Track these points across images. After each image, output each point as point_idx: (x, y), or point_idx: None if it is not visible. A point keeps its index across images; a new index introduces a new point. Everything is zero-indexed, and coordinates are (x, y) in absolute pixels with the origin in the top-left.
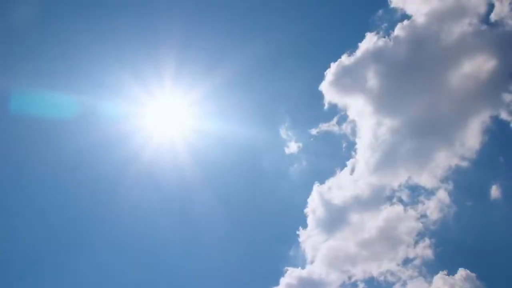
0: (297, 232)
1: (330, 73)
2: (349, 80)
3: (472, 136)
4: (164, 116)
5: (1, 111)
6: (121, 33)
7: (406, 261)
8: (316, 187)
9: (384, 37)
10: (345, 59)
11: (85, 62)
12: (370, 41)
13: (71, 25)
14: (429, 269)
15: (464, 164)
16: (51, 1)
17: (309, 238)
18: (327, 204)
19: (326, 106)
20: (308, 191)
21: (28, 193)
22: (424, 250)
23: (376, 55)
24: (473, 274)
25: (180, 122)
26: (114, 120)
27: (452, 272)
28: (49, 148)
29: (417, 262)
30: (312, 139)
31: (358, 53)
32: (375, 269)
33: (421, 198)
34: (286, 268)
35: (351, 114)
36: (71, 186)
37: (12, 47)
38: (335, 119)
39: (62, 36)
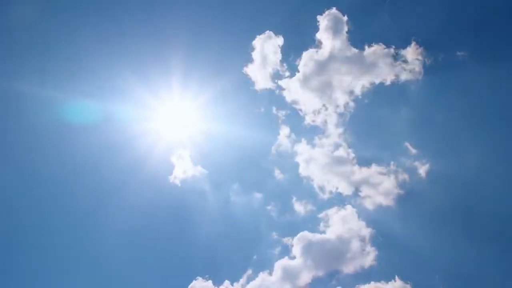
0: None
1: None
2: None
3: None
4: (173, 119)
5: (5, 113)
6: (129, 36)
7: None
8: None
9: None
10: None
11: (93, 66)
12: None
13: (79, 29)
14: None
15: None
16: (59, 4)
17: None
18: None
19: None
20: None
21: (34, 195)
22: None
23: None
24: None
25: (188, 125)
26: (122, 123)
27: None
28: (57, 151)
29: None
30: None
31: None
32: None
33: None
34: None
35: None
36: (81, 188)
37: (18, 49)
38: None
39: (69, 40)
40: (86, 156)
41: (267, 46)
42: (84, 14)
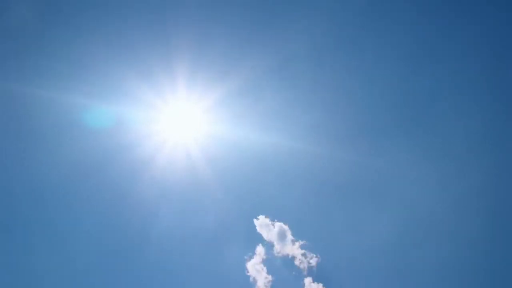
0: None
1: None
2: None
3: None
4: (179, 121)
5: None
6: (134, 38)
7: None
8: None
9: None
10: None
11: (98, 68)
12: None
13: (85, 32)
14: None
15: None
16: (65, 6)
17: None
18: None
19: None
20: None
21: (36, 196)
22: None
23: None
24: None
25: (194, 127)
26: (128, 125)
27: None
28: (60, 153)
29: None
30: None
31: None
32: None
33: None
34: None
35: None
36: (86, 190)
37: (24, 51)
38: None
39: (74, 42)
40: (91, 158)
41: None
42: (91, 16)
